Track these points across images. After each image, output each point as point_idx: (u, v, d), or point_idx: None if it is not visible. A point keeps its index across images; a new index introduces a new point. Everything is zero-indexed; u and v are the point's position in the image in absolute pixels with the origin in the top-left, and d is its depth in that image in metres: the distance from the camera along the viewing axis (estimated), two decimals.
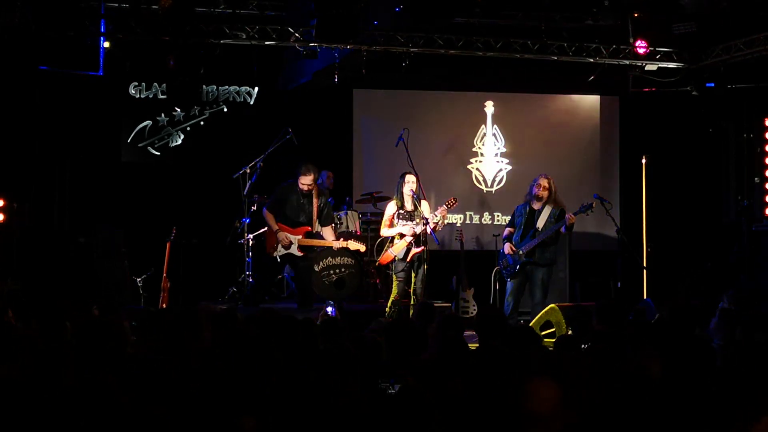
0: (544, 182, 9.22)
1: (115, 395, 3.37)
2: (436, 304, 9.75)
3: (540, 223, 9.04)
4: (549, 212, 9.08)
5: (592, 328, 5.47)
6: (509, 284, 9.18)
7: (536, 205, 9.13)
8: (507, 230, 9.33)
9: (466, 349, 4.48)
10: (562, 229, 9.00)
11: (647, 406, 3.45)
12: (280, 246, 9.35)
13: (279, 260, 9.51)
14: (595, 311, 5.84)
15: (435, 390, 3.41)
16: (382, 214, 9.54)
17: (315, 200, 9.47)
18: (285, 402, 3.54)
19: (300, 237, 9.39)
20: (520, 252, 8.99)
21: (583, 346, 4.87)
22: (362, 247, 9.65)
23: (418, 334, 5.51)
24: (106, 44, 10.71)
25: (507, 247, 9.10)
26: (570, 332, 6.53)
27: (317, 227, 9.51)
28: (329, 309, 7.85)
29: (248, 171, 9.53)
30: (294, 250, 9.39)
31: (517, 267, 9.03)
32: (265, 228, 9.60)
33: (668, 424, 3.41)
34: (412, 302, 8.90)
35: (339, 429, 3.40)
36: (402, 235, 9.00)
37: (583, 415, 3.38)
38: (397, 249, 9.00)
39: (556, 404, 3.13)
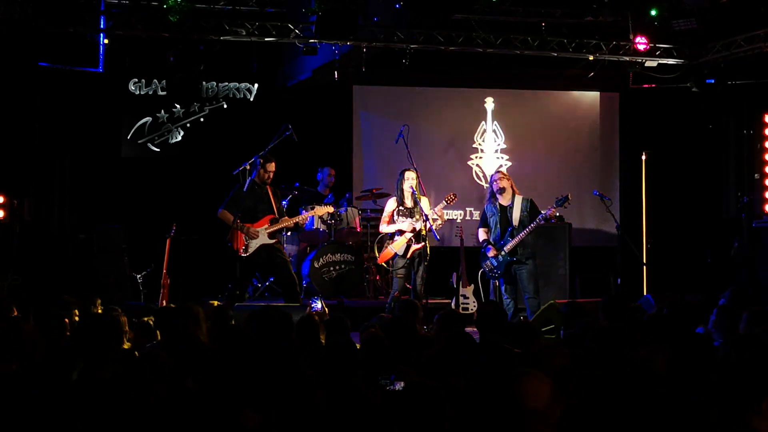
0: (499, 174, 9.21)
1: (117, 391, 3.38)
2: (436, 301, 9.80)
3: (515, 219, 8.99)
4: (520, 205, 9.03)
5: (598, 324, 5.46)
6: (502, 286, 9.17)
7: (504, 200, 9.08)
8: (482, 232, 9.22)
9: (473, 344, 4.47)
10: (541, 222, 8.97)
11: (649, 401, 3.45)
12: (249, 242, 9.26)
13: (253, 258, 9.37)
14: (601, 307, 5.84)
15: (441, 386, 3.40)
16: (381, 211, 9.54)
17: (269, 188, 9.45)
18: (287, 398, 3.54)
19: (267, 226, 9.33)
20: (503, 252, 8.96)
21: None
22: (330, 209, 9.75)
23: (415, 331, 5.53)
24: (106, 40, 10.71)
25: (491, 251, 9.06)
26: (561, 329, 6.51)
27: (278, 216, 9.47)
28: (316, 305, 7.82)
29: (248, 167, 9.51)
30: (264, 239, 9.32)
31: (503, 267, 9.00)
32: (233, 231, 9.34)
33: (669, 420, 3.41)
34: (412, 298, 8.89)
35: (342, 426, 3.40)
36: (402, 232, 9.00)
37: (581, 410, 3.38)
38: (398, 246, 9.00)
39: (549, 399, 3.13)
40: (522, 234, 8.91)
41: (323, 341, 5.54)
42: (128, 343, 5.59)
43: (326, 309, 8.33)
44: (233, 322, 5.93)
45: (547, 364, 3.52)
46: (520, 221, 8.99)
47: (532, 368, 3.31)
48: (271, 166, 9.36)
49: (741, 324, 5.20)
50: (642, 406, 3.32)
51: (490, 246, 9.09)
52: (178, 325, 5.05)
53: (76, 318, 6.02)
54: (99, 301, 6.79)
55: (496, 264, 9.04)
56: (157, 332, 5.54)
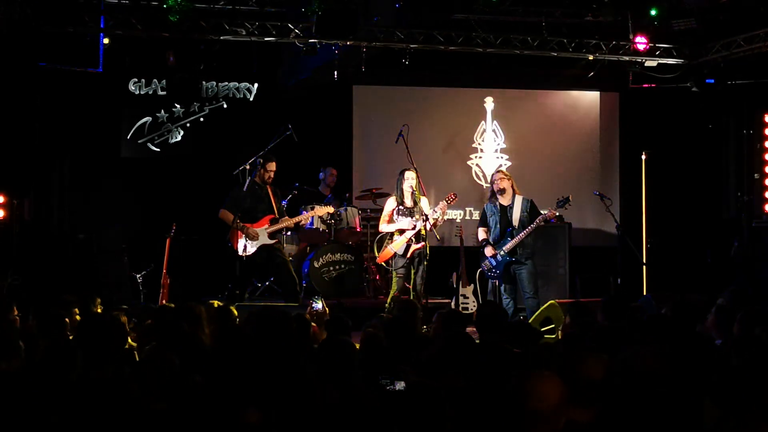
0: (500, 174, 9.22)
1: (120, 391, 3.37)
2: (436, 301, 9.80)
3: (515, 219, 9.00)
4: (520, 205, 9.04)
5: (597, 324, 5.47)
6: (501, 286, 9.17)
7: (504, 200, 9.09)
8: (482, 231, 9.23)
9: (473, 343, 4.47)
10: (541, 223, 8.98)
11: (646, 402, 3.45)
12: (249, 242, 9.29)
13: (253, 258, 9.38)
14: (600, 307, 5.84)
15: (441, 386, 3.40)
16: (381, 211, 9.54)
17: (269, 188, 9.47)
18: (287, 397, 3.54)
19: (267, 226, 9.36)
20: (502, 252, 8.96)
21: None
22: (330, 209, 9.84)
23: (415, 331, 5.53)
24: (106, 40, 10.70)
25: (489, 250, 9.07)
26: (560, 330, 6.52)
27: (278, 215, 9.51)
28: (316, 305, 7.84)
29: (248, 167, 9.53)
30: (264, 239, 9.35)
31: (502, 267, 9.00)
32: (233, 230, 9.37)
33: (668, 420, 3.41)
34: (411, 298, 8.88)
35: (341, 425, 3.40)
36: (401, 231, 8.99)
37: (586, 411, 3.38)
38: (397, 245, 8.99)
39: (556, 403, 3.13)
40: (521, 234, 8.91)
41: (319, 340, 5.55)
42: (134, 343, 5.59)
43: (327, 309, 8.34)
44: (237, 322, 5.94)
45: (581, 375, 3.50)
46: (520, 221, 9.00)
47: (562, 377, 3.28)
48: (272, 166, 9.38)
49: (735, 324, 5.19)
50: (635, 405, 3.31)
51: (488, 245, 9.10)
52: (175, 325, 5.04)
53: (77, 317, 6.02)
54: (99, 301, 6.79)
55: (495, 264, 9.04)
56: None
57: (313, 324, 6.26)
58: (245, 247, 9.27)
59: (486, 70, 11.97)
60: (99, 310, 6.60)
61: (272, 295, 10.59)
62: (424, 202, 9.08)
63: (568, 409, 3.16)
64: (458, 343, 4.32)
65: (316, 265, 10.06)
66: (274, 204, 9.46)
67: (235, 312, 6.09)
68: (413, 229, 8.90)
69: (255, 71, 11.34)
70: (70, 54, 10.69)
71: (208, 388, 3.65)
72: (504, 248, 8.96)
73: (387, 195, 9.97)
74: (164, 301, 9.40)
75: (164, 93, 11.36)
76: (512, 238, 8.94)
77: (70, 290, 7.49)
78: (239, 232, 9.24)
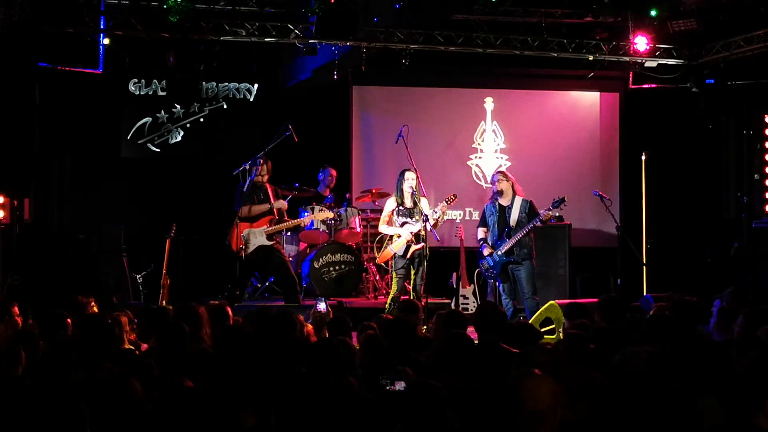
0: (499, 176, 9.24)
1: (120, 391, 3.38)
2: (436, 301, 9.80)
3: (513, 220, 9.01)
4: (519, 206, 9.05)
5: (594, 324, 5.47)
6: (500, 286, 9.18)
7: (504, 201, 9.10)
8: (481, 231, 9.25)
9: (472, 344, 4.48)
10: (538, 224, 8.99)
11: (645, 402, 3.45)
12: (248, 243, 9.32)
13: (252, 258, 9.42)
14: (598, 307, 5.84)
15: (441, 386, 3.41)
16: (381, 211, 9.54)
17: (269, 188, 9.48)
18: (284, 397, 3.54)
19: (266, 226, 9.38)
20: (499, 252, 8.97)
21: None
22: (330, 214, 9.88)
23: (415, 331, 5.54)
24: (106, 41, 10.71)
25: (486, 250, 9.09)
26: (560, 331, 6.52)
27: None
28: (320, 306, 7.89)
29: (248, 167, 9.54)
30: (263, 240, 9.36)
31: (499, 267, 9.01)
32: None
33: (669, 420, 3.41)
34: (411, 299, 8.89)
35: (339, 425, 3.40)
36: (404, 223, 8.99)
37: (581, 410, 3.38)
38: (397, 246, 8.99)
39: (551, 400, 3.14)
40: (518, 235, 8.92)
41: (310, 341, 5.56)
42: (133, 346, 5.59)
43: (330, 310, 8.36)
44: (232, 322, 5.93)
45: (580, 374, 3.52)
46: (518, 222, 9.00)
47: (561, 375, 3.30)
48: (263, 170, 9.42)
49: (736, 326, 5.18)
50: (634, 405, 3.32)
51: (485, 245, 9.11)
52: (175, 325, 5.04)
53: None
54: (93, 301, 6.79)
55: (491, 264, 9.05)
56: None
57: (307, 324, 6.27)
58: (244, 246, 9.28)
59: (486, 70, 11.97)
60: (95, 310, 6.60)
61: (272, 295, 10.60)
62: (424, 203, 9.08)
63: (567, 408, 3.18)
64: (458, 343, 4.32)
65: (316, 265, 10.06)
66: (273, 202, 9.48)
67: (230, 311, 6.08)
68: (412, 234, 8.91)
69: (255, 72, 11.35)
70: (70, 54, 10.70)
71: (207, 388, 3.65)
72: (501, 249, 8.97)
73: (387, 195, 9.98)
74: (164, 302, 9.40)
75: (164, 93, 11.36)
76: (509, 239, 8.95)
77: (71, 291, 7.50)
78: (237, 232, 9.26)
